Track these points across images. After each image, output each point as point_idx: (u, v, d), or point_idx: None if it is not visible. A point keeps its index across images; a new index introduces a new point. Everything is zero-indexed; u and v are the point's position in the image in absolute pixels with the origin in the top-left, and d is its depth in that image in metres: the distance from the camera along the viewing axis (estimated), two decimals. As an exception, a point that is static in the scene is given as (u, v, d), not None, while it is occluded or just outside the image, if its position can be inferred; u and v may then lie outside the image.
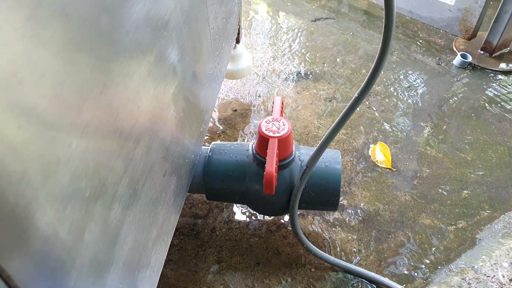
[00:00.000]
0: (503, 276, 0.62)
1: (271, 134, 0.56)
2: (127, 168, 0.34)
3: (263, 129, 0.57)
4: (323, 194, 0.61)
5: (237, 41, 0.91)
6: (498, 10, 1.06)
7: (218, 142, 0.67)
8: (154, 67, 0.38)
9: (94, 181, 0.29)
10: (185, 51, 0.47)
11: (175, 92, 0.45)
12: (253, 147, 0.60)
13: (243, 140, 0.89)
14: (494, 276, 0.62)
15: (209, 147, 0.64)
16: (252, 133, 0.90)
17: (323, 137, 0.54)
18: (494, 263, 0.64)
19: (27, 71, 0.20)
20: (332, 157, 0.63)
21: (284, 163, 0.58)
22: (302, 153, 0.63)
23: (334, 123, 0.52)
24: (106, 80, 0.29)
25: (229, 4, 0.71)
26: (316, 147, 0.56)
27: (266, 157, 0.54)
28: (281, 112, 0.61)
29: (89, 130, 0.27)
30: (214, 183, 0.61)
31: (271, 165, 0.52)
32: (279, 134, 0.56)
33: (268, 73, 1.07)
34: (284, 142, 0.56)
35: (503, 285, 0.60)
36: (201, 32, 0.54)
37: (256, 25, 1.26)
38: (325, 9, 1.34)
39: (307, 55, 1.13)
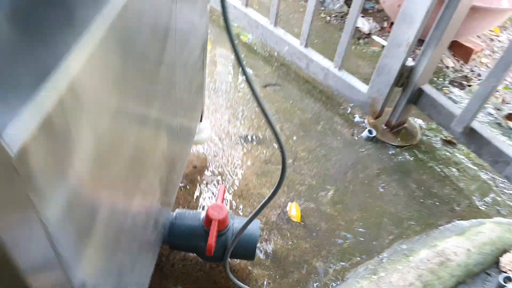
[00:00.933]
0: (351, 306, 1.00)
1: (214, 216, 0.90)
2: (128, 231, 0.67)
3: (209, 212, 0.91)
4: (245, 252, 0.96)
5: (200, 120, 1.24)
6: (395, 103, 1.45)
7: (180, 210, 1.00)
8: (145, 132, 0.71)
9: (109, 238, 0.62)
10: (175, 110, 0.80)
11: (159, 175, 0.78)
12: (203, 219, 0.95)
13: (200, 194, 1.22)
14: (346, 305, 1.00)
15: (174, 214, 0.98)
16: (207, 190, 1.24)
17: (249, 216, 0.89)
18: (349, 297, 1.02)
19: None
20: (255, 226, 0.98)
21: (222, 233, 0.93)
22: (235, 222, 0.97)
23: (256, 209, 0.86)
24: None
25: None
26: (245, 220, 0.91)
27: (210, 231, 0.89)
28: (222, 198, 0.95)
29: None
30: (175, 240, 0.95)
31: (211, 238, 0.87)
32: (219, 217, 0.90)
33: (223, 135, 1.41)
34: (222, 221, 0.91)
35: (350, 311, 0.99)
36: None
37: (218, 87, 1.58)
38: (275, 75, 1.68)
39: (255, 120, 1.48)
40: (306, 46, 1.56)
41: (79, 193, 0.39)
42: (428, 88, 1.37)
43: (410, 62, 1.32)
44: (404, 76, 1.35)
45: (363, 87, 1.48)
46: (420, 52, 1.28)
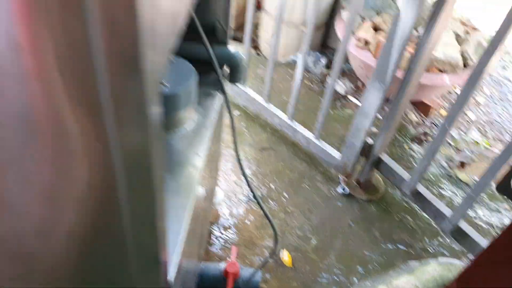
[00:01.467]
0: (327, 329, 1.40)
1: (230, 271, 1.30)
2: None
3: (227, 268, 1.31)
4: (252, 293, 1.36)
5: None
6: (362, 167, 1.87)
7: (205, 263, 1.40)
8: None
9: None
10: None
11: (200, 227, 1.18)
12: (222, 271, 1.34)
13: (216, 244, 1.62)
14: (324, 329, 1.41)
15: (202, 266, 1.38)
16: (222, 239, 1.64)
17: (253, 270, 1.29)
18: (326, 322, 1.43)
19: None
20: (257, 275, 1.38)
21: (235, 281, 1.33)
22: (244, 272, 1.37)
23: (257, 267, 1.27)
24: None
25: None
26: (251, 271, 1.31)
27: (227, 280, 1.29)
28: (235, 256, 1.35)
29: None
30: (202, 284, 1.35)
31: (229, 286, 1.27)
32: (233, 271, 1.30)
33: (231, 194, 1.81)
34: (235, 273, 1.31)
35: (326, 334, 1.39)
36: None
37: (223, 153, 1.99)
38: (269, 140, 2.10)
39: (254, 180, 1.89)
40: (292, 120, 1.99)
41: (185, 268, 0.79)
42: (385, 157, 1.80)
43: (369, 140, 1.74)
44: (366, 150, 1.78)
45: (336, 154, 1.90)
46: (378, 133, 1.71)
